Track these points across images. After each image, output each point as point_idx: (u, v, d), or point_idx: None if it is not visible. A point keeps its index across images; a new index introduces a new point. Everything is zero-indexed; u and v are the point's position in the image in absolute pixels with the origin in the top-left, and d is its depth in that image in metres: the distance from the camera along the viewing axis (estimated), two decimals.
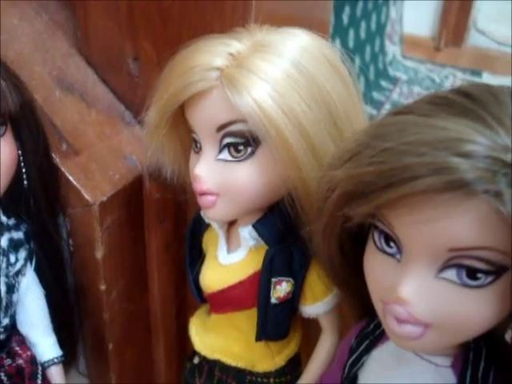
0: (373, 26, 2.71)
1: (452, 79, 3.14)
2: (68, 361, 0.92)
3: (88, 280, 0.83)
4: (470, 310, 0.45)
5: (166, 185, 0.74)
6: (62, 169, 0.75)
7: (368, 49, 2.65)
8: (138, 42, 0.79)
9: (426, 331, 0.46)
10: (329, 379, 0.68)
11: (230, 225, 0.71)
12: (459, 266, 0.44)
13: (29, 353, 0.73)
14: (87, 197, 0.74)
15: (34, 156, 0.71)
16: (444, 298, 0.45)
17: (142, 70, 0.81)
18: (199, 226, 0.75)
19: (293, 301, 0.68)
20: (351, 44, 2.39)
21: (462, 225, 0.41)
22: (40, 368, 0.73)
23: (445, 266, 0.44)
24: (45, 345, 0.75)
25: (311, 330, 0.76)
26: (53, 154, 0.76)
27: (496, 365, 0.54)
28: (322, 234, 0.53)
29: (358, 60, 2.50)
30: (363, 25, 2.55)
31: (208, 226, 0.73)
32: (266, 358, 0.73)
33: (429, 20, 3.62)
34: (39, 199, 0.73)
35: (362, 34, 2.53)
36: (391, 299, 0.47)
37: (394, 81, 2.93)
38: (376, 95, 2.64)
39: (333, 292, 0.67)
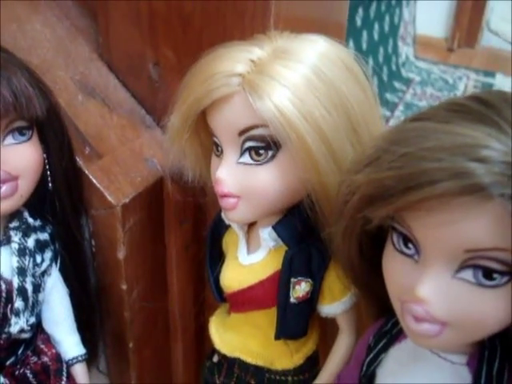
0: (386, 27, 2.72)
1: (465, 80, 3.14)
2: (89, 359, 0.94)
3: (110, 280, 0.85)
4: (486, 309, 0.46)
5: (187, 187, 0.76)
6: (86, 172, 0.77)
7: (381, 50, 2.66)
8: (159, 48, 0.81)
9: (443, 329, 0.48)
10: (346, 377, 0.69)
11: (250, 226, 0.73)
12: (475, 267, 0.45)
13: (54, 351, 0.75)
14: (110, 199, 0.76)
15: (59, 159, 0.73)
16: (461, 297, 0.46)
17: (162, 76, 0.83)
18: (220, 228, 0.76)
19: (311, 300, 0.70)
20: (364, 46, 2.40)
21: (478, 227, 0.42)
22: (65, 366, 0.75)
23: (462, 267, 0.46)
24: (69, 343, 0.77)
25: (329, 329, 0.77)
26: (77, 157, 0.77)
27: (510, 363, 0.55)
28: (342, 235, 0.54)
29: (371, 61, 2.51)
30: (376, 26, 2.56)
31: (228, 227, 0.75)
32: (284, 356, 0.75)
33: (442, 21, 3.62)
34: (64, 201, 0.75)
35: (375, 36, 2.54)
36: (410, 298, 0.48)
37: (407, 82, 2.94)
38: (389, 96, 2.65)
39: (350, 292, 0.69)
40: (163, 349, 0.99)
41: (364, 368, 0.62)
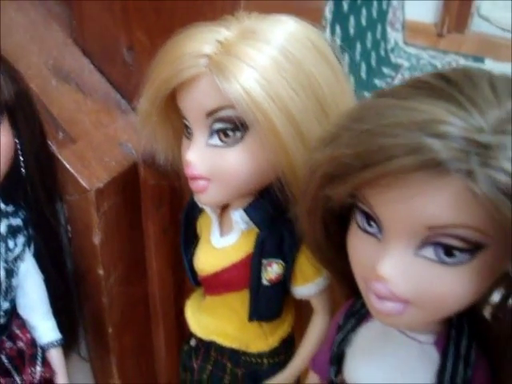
0: (374, 12, 2.71)
1: (454, 65, 3.14)
2: (69, 345, 0.95)
3: (86, 265, 0.84)
4: (448, 286, 0.46)
5: (161, 171, 0.76)
6: (59, 156, 0.77)
7: (369, 36, 2.65)
8: (132, 32, 0.81)
9: (406, 308, 0.48)
10: (320, 358, 0.69)
11: (223, 209, 0.73)
12: (436, 244, 0.45)
13: (29, 336, 0.75)
14: (84, 183, 0.76)
15: (31, 144, 0.73)
16: (422, 275, 0.46)
17: (136, 59, 0.82)
18: (194, 211, 0.76)
19: (284, 282, 0.70)
20: (352, 31, 2.39)
21: (436, 203, 0.42)
22: (40, 351, 0.76)
23: (423, 244, 0.46)
24: (44, 328, 0.77)
25: (304, 311, 0.77)
26: (49, 142, 0.77)
27: (478, 342, 0.56)
28: (307, 215, 0.54)
29: (358, 47, 2.50)
30: (364, 12, 2.55)
31: (202, 210, 0.75)
32: (259, 339, 0.75)
33: (431, 6, 3.61)
34: (36, 186, 0.75)
35: (363, 21, 2.53)
36: (372, 277, 0.48)
37: (396, 68, 2.93)
38: (378, 82, 2.64)
39: (323, 273, 0.69)
40: (144, 334, 0.99)
41: (334, 348, 0.62)
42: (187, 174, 0.64)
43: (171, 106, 0.66)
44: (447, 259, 0.45)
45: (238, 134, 0.61)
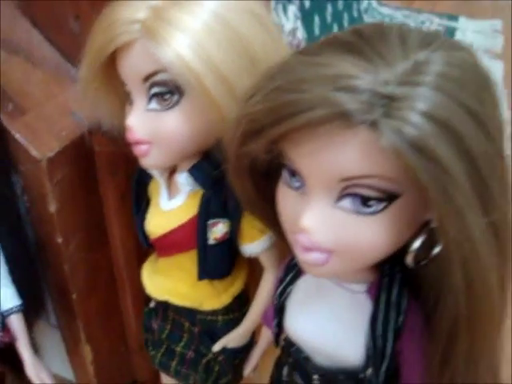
0: None
1: (428, 24, 3.14)
2: (37, 313, 0.97)
3: (45, 234, 0.86)
4: (366, 235, 0.48)
5: (112, 138, 0.77)
6: (9, 128, 0.78)
7: None
8: (78, 1, 0.81)
9: (329, 257, 0.50)
10: (269, 312, 0.72)
11: (171, 173, 0.74)
12: (353, 195, 0.47)
13: None
14: (35, 153, 0.77)
15: None
16: (342, 225, 0.48)
17: (82, 28, 0.83)
18: (145, 177, 0.78)
19: (230, 241, 0.72)
20: None
21: (346, 155, 0.44)
22: (0, 317, 0.77)
23: (340, 196, 0.48)
24: (4, 295, 0.79)
25: (257, 269, 0.79)
26: None
27: (410, 289, 0.58)
28: (233, 172, 0.56)
29: (330, 8, 2.50)
30: None
31: (152, 176, 0.76)
32: (211, 297, 0.78)
33: None
34: None
35: None
36: (296, 229, 0.50)
37: None
38: None
39: (269, 231, 0.71)
40: (110, 298, 1.01)
41: (275, 300, 0.65)
42: (129, 139, 0.66)
43: (113, 73, 0.67)
44: (364, 209, 0.47)
45: (175, 97, 0.62)
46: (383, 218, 0.47)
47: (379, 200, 0.47)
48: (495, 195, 0.46)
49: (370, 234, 0.48)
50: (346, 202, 0.48)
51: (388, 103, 0.42)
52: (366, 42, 0.45)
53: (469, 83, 0.44)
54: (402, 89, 0.42)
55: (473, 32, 3.06)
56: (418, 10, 3.35)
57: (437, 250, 0.50)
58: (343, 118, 0.42)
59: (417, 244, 0.51)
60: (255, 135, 0.47)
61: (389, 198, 0.47)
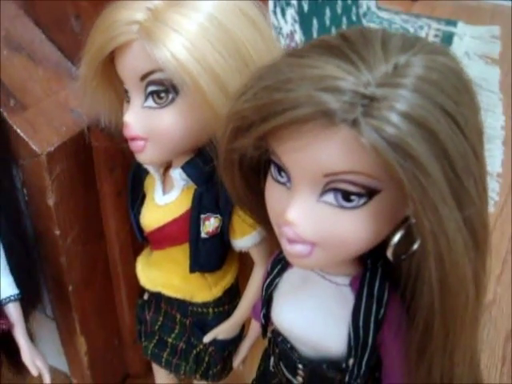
0: None
1: (426, 29, 3.17)
2: (34, 304, 0.99)
3: (43, 226, 0.89)
4: (348, 228, 0.51)
5: (111, 135, 0.80)
6: (10, 123, 0.81)
7: (339, 1, 2.67)
8: (78, 1, 0.84)
9: (313, 250, 0.53)
10: (258, 306, 0.74)
11: (166, 169, 0.77)
12: (335, 190, 0.50)
13: None
14: (35, 148, 0.80)
15: None
16: (325, 219, 0.51)
17: (83, 28, 0.85)
18: (141, 172, 0.81)
19: (222, 235, 0.75)
20: None
21: (329, 152, 0.47)
22: None
23: (324, 191, 0.50)
24: (2, 284, 0.81)
25: (248, 264, 0.82)
26: (1, 110, 0.81)
27: (391, 282, 0.61)
28: (223, 168, 0.59)
29: (328, 12, 2.53)
30: None
31: (148, 171, 0.79)
32: (203, 289, 0.81)
33: None
34: None
35: None
36: (282, 222, 0.53)
37: None
38: None
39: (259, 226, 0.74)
40: (105, 291, 1.04)
41: (263, 292, 0.68)
42: (126, 135, 0.68)
43: (112, 71, 0.70)
44: (345, 203, 0.50)
45: (170, 95, 0.65)
46: (364, 213, 0.50)
47: (360, 195, 0.49)
48: (471, 192, 0.48)
49: (351, 228, 0.51)
50: (329, 197, 0.50)
51: (368, 103, 0.44)
52: (350, 46, 0.48)
53: (447, 86, 0.47)
54: (382, 90, 0.45)
55: (471, 37, 3.09)
56: (417, 14, 3.38)
57: (416, 245, 0.52)
58: (326, 117, 0.44)
59: (396, 238, 0.53)
60: (244, 131, 0.50)
61: (369, 193, 0.49)
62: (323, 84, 0.45)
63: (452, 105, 0.46)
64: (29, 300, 0.90)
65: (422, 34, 3.09)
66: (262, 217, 0.64)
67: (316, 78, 0.45)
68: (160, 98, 0.65)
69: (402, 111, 0.44)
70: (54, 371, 0.87)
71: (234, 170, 0.58)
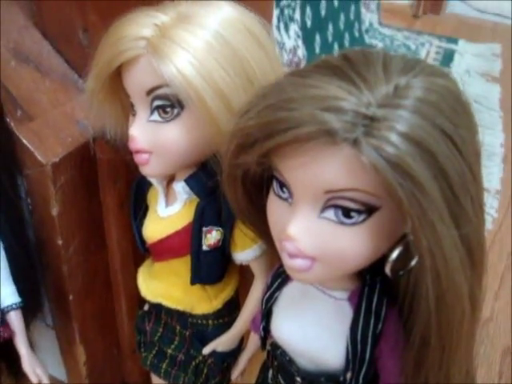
0: None
1: (428, 46, 3.20)
2: (34, 313, 1.00)
3: (46, 235, 0.90)
4: (347, 244, 0.52)
5: (115, 147, 0.81)
6: (17, 133, 0.82)
7: (342, 17, 2.69)
8: (87, 15, 0.85)
9: (313, 264, 0.54)
10: (258, 318, 0.75)
11: (169, 182, 0.78)
12: (336, 206, 0.51)
13: None
14: (40, 158, 0.81)
15: None
16: (325, 234, 0.52)
17: (91, 41, 0.87)
18: (144, 184, 0.82)
19: (223, 248, 0.76)
20: (323, 12, 2.43)
21: (330, 169, 0.48)
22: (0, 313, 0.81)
23: (325, 207, 0.51)
24: (4, 292, 0.82)
25: (248, 276, 0.83)
26: (8, 120, 0.82)
27: (389, 298, 0.62)
28: (227, 182, 0.60)
29: (330, 28, 2.55)
30: None
31: (151, 184, 0.80)
32: (203, 301, 0.82)
33: None
34: None
35: (335, 3, 2.57)
36: (284, 237, 0.54)
37: (370, 48, 2.98)
38: None
39: (259, 240, 0.75)
40: (105, 301, 1.05)
41: (263, 305, 0.69)
42: (131, 148, 0.70)
43: (119, 85, 0.71)
44: (345, 220, 0.51)
45: (175, 110, 0.66)
46: (363, 229, 0.51)
47: (360, 212, 0.50)
48: (468, 210, 0.50)
49: (351, 243, 0.52)
50: (330, 213, 0.51)
51: (369, 123, 0.46)
52: (352, 67, 0.49)
53: (445, 108, 0.48)
54: (383, 111, 0.46)
55: (472, 55, 3.12)
56: (419, 31, 3.41)
57: (414, 261, 0.53)
58: (328, 136, 0.46)
59: (394, 254, 0.54)
60: (248, 148, 0.51)
61: (369, 210, 0.50)
62: (325, 104, 0.46)
63: (450, 126, 0.48)
64: (29, 309, 0.91)
65: (424, 50, 3.12)
66: (263, 231, 0.65)
67: (318, 97, 0.47)
68: (165, 112, 0.67)
69: (401, 132, 0.45)
70: (52, 380, 0.88)
71: (236, 185, 0.60)
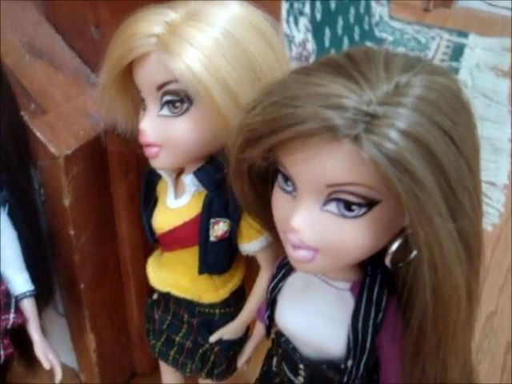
0: None
1: (438, 40, 3.19)
2: (46, 301, 1.03)
3: (58, 226, 0.92)
4: (348, 236, 0.54)
5: (126, 140, 0.83)
6: (31, 126, 0.84)
7: (352, 10, 2.70)
8: (99, 10, 0.88)
9: (315, 255, 0.56)
10: (263, 308, 0.78)
11: (178, 174, 0.80)
12: (338, 200, 0.53)
13: (3, 287, 0.83)
14: (53, 150, 0.84)
15: (5, 115, 0.80)
16: (327, 226, 0.54)
17: (103, 36, 0.89)
18: (154, 176, 0.84)
19: (230, 239, 0.78)
20: (333, 6, 2.44)
21: (332, 164, 0.50)
22: (13, 300, 0.83)
23: (327, 200, 0.54)
24: (18, 280, 0.85)
25: (255, 267, 0.85)
26: (22, 113, 0.84)
27: (390, 288, 0.64)
28: (233, 176, 0.62)
29: (340, 22, 2.56)
30: None
31: (161, 176, 0.83)
32: (210, 291, 0.84)
33: None
34: (9, 153, 0.82)
35: None
36: (287, 229, 0.56)
37: (380, 42, 2.99)
38: None
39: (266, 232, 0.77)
40: (116, 290, 1.07)
41: (268, 295, 0.71)
42: (141, 142, 0.72)
43: (131, 80, 0.73)
44: (347, 213, 0.53)
45: (185, 105, 0.68)
46: (364, 222, 0.53)
47: (360, 205, 0.53)
48: (465, 204, 0.51)
49: (352, 235, 0.54)
50: (332, 206, 0.53)
51: (370, 120, 0.48)
52: (355, 66, 0.51)
53: (444, 106, 0.50)
54: (383, 108, 0.48)
55: (482, 49, 3.11)
56: (429, 25, 3.40)
57: (413, 254, 0.55)
58: (330, 132, 0.48)
59: (394, 247, 0.56)
60: (254, 143, 0.53)
61: (369, 204, 0.52)
62: (328, 101, 0.48)
63: (449, 123, 0.49)
64: (41, 297, 0.93)
65: (434, 44, 3.12)
66: (268, 223, 0.67)
67: (322, 95, 0.49)
68: (175, 107, 0.69)
69: (401, 129, 0.47)
70: (63, 367, 0.90)
71: (243, 178, 0.62)
